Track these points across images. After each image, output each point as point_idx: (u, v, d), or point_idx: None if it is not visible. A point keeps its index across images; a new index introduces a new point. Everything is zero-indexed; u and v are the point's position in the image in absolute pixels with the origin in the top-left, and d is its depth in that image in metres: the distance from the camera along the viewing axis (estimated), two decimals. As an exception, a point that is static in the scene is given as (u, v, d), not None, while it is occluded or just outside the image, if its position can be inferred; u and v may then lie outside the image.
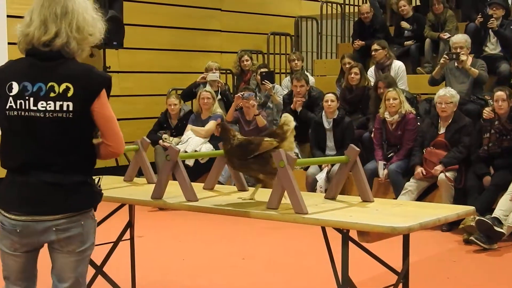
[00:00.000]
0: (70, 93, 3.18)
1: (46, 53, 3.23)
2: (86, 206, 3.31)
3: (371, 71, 10.51)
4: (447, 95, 8.40)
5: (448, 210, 4.12)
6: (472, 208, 4.22)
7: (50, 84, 3.19)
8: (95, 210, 3.40)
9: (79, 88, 3.19)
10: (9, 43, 9.92)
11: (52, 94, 3.19)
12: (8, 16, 10.53)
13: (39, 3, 3.27)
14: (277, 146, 4.02)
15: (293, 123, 4.13)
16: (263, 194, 4.18)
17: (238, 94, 10.14)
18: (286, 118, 4.15)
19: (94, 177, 3.43)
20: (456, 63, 9.27)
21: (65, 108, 3.18)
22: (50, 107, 3.18)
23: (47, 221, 3.21)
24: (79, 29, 3.26)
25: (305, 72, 11.27)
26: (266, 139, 4.08)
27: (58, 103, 3.18)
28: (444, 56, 9.46)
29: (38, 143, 3.22)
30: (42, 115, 3.19)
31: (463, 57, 9.15)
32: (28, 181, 3.22)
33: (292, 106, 10.10)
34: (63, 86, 3.19)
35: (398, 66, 10.29)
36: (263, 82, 10.69)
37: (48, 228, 3.22)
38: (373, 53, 10.42)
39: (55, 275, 3.36)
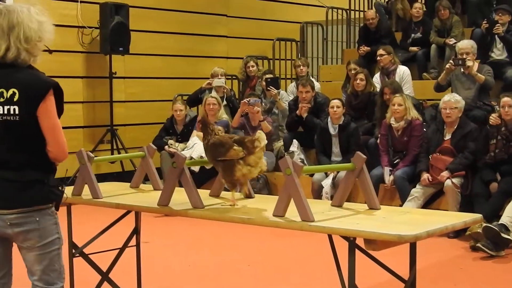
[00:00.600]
0: (16, 98, 3.48)
1: (1, 64, 3.52)
2: (39, 203, 3.56)
3: (376, 77, 10.51)
4: (452, 101, 8.40)
5: (455, 218, 4.11)
6: (479, 216, 4.21)
7: (0, 90, 3.50)
8: (57, 209, 3.67)
9: (23, 93, 3.48)
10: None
11: (1, 99, 3.50)
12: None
13: None
14: (243, 158, 4.12)
15: (264, 142, 4.15)
16: (269, 201, 4.18)
17: (244, 100, 10.14)
18: (260, 135, 4.17)
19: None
20: (462, 69, 9.25)
21: (12, 112, 3.48)
22: (0, 111, 3.49)
23: (1, 214, 3.52)
24: (27, 39, 3.51)
25: (311, 78, 11.28)
26: (235, 147, 4.14)
27: (6, 107, 3.49)
28: (450, 62, 9.44)
29: None
30: None
31: (469, 63, 9.13)
32: None
33: (297, 112, 10.10)
34: (10, 91, 3.49)
35: (402, 71, 10.29)
36: (268, 88, 10.70)
37: (3, 222, 3.53)
38: (378, 58, 10.42)
39: (27, 270, 3.68)
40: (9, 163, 3.51)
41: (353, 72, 10.48)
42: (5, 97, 3.48)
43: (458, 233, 7.88)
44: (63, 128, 3.63)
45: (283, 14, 14.91)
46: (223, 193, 4.79)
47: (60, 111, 3.58)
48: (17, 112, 3.47)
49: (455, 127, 8.44)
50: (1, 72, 3.52)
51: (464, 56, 9.22)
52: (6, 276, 3.75)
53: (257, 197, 4.77)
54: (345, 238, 3.76)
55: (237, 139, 4.23)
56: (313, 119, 10.02)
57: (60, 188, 3.67)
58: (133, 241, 5.44)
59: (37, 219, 3.54)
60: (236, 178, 4.17)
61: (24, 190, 3.51)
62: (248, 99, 10.02)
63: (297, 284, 6.43)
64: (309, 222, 3.76)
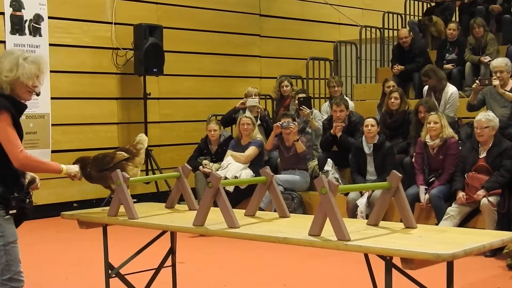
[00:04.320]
0: None
1: None
2: None
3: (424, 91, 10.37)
4: (483, 120, 8.27)
5: (493, 237, 4.07)
6: (517, 234, 4.16)
7: None
8: (14, 218, 4.31)
9: None
10: (51, 71, 10.01)
11: None
12: (50, 44, 10.67)
13: None
14: (128, 158, 5.02)
15: (146, 143, 5.14)
16: (304, 220, 4.17)
17: (277, 123, 10.12)
18: (141, 138, 5.16)
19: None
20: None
21: None
22: None
23: None
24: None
25: (345, 97, 11.26)
26: (118, 152, 5.07)
27: None
28: (476, 82, 9.36)
29: None
30: None
31: (495, 82, 9.04)
32: None
33: (332, 131, 10.08)
34: None
35: (451, 91, 10.09)
36: (300, 107, 10.68)
37: None
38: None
39: None
40: None
41: (389, 89, 10.43)
42: None
43: (495, 252, 7.78)
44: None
45: (316, 34, 14.94)
46: (258, 213, 4.80)
47: (17, 130, 4.29)
48: None
49: (490, 145, 8.35)
50: None
51: (498, 75, 9.12)
52: None
53: (292, 216, 4.77)
54: (382, 257, 3.74)
55: (119, 148, 5.22)
56: (347, 138, 9.99)
57: (14, 202, 4.31)
58: (168, 261, 5.46)
59: None
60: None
61: None
62: (280, 122, 10.00)
63: (333, 304, 6.40)
64: (345, 241, 3.75)
